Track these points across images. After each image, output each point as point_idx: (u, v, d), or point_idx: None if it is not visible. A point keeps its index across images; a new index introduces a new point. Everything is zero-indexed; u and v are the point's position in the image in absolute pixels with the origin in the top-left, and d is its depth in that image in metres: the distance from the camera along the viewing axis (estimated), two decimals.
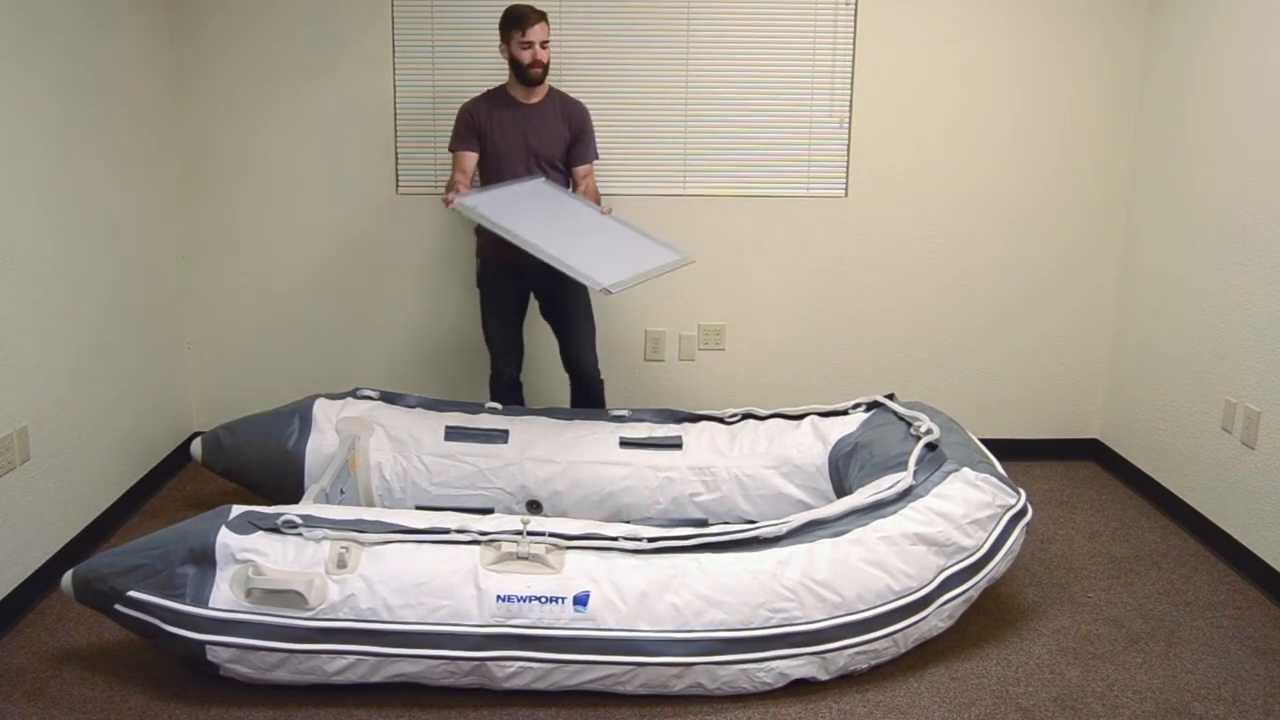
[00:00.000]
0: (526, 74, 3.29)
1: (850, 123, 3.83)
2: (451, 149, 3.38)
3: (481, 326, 3.57)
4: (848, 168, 3.86)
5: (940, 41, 3.77)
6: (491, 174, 3.37)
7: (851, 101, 3.81)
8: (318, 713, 2.35)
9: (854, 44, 3.77)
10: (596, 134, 3.48)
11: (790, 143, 3.84)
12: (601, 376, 3.63)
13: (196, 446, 3.28)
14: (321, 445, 3.18)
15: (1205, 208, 3.38)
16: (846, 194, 3.89)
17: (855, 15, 3.76)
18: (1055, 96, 3.82)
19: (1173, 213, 3.58)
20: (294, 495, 3.18)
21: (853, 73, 3.79)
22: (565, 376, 3.66)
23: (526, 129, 3.34)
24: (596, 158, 3.48)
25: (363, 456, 3.19)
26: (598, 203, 3.37)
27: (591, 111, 3.47)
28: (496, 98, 3.38)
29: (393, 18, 3.70)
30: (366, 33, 3.70)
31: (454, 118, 3.37)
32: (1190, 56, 3.48)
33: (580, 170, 3.43)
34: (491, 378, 3.59)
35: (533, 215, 3.09)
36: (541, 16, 3.27)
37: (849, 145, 3.85)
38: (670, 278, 3.90)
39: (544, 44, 3.27)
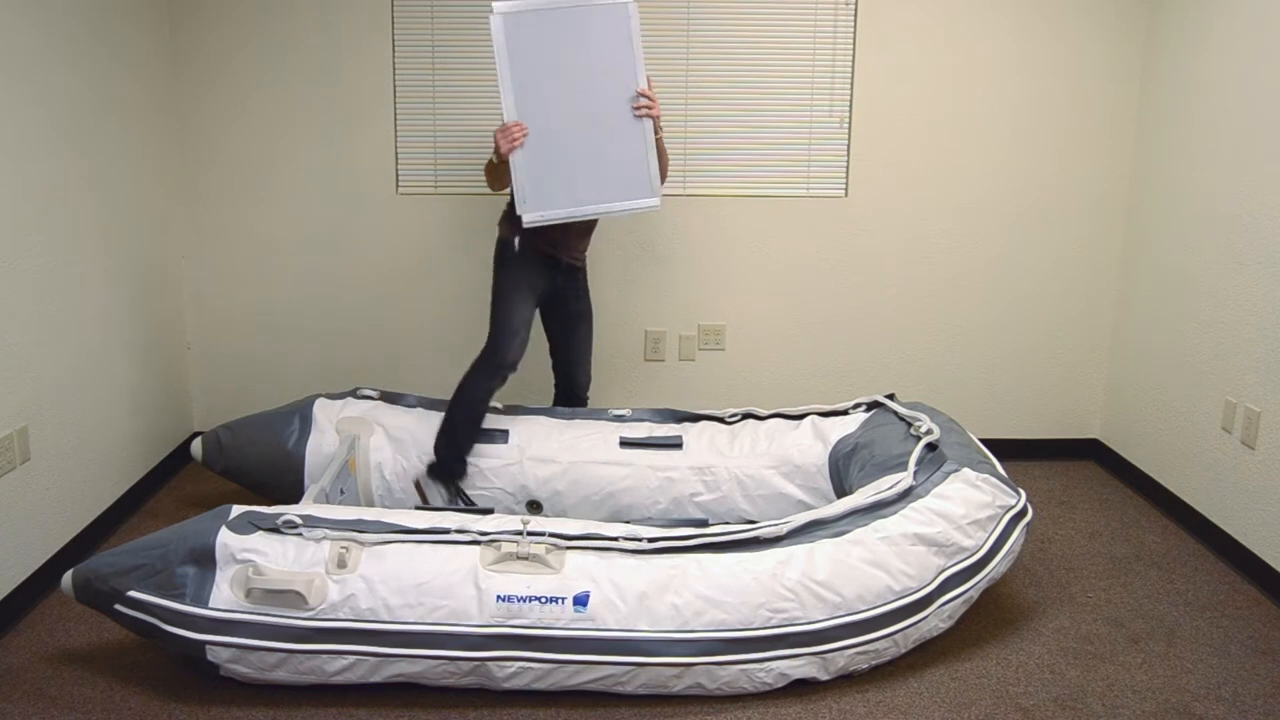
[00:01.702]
0: None
1: (850, 123, 3.83)
2: None
3: (494, 311, 3.13)
4: (848, 168, 3.86)
5: (940, 42, 3.77)
6: None
7: (851, 101, 3.81)
8: (318, 713, 2.35)
9: (854, 44, 3.77)
10: None
11: (790, 143, 3.84)
12: (589, 394, 3.51)
13: (196, 446, 3.28)
14: (321, 445, 3.18)
15: (1205, 208, 3.38)
16: (846, 194, 3.89)
17: (855, 15, 3.75)
18: (1055, 96, 3.82)
19: (1173, 213, 3.58)
20: (294, 495, 3.18)
21: (853, 73, 3.79)
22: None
23: None
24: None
25: (363, 456, 3.19)
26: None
27: None
28: None
29: (393, 18, 3.70)
30: (366, 33, 3.70)
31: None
32: (1191, 57, 3.48)
33: None
34: (493, 367, 3.11)
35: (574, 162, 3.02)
36: None
37: (849, 145, 3.85)
38: (670, 278, 3.91)
39: None
